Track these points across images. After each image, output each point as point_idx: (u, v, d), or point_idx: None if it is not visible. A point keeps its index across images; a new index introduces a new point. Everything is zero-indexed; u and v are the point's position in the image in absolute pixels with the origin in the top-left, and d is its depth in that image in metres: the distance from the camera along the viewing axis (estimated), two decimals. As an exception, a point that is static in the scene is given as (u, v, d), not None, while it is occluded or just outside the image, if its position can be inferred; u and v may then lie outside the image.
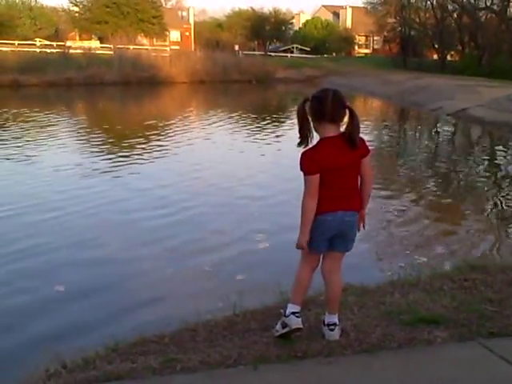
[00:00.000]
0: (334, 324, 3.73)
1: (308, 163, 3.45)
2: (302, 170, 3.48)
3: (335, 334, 3.72)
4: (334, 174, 3.49)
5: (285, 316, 3.67)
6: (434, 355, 3.59)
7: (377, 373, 3.39)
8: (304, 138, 3.49)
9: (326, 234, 3.59)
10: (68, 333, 5.16)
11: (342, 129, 3.52)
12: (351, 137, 3.48)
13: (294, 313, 3.65)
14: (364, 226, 3.77)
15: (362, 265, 6.79)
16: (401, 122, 25.63)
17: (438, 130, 22.53)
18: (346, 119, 3.52)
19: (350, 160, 3.53)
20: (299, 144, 3.52)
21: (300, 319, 3.65)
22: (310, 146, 3.51)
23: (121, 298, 5.96)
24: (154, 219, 8.67)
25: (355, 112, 3.50)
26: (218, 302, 5.07)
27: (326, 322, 3.76)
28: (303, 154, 3.49)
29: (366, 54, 70.17)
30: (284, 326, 3.67)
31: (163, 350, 3.71)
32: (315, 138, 3.52)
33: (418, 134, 21.46)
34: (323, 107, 3.43)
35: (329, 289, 3.77)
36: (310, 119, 3.49)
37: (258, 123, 21.65)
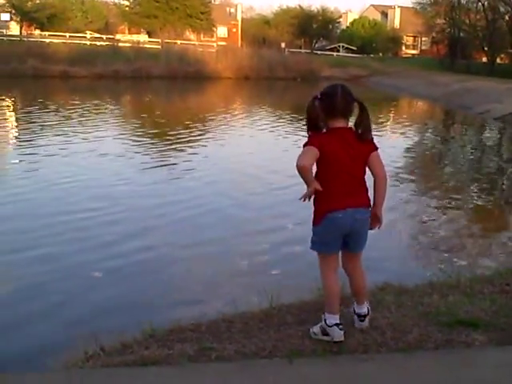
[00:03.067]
0: (364, 315, 3.75)
1: (314, 139, 3.46)
2: (304, 144, 3.48)
3: (364, 324, 3.77)
4: (339, 166, 3.47)
5: (326, 324, 3.61)
6: (471, 358, 3.55)
7: (412, 372, 3.37)
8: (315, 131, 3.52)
9: (336, 232, 3.53)
10: (106, 318, 5.26)
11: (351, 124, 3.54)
12: (361, 128, 3.49)
13: (337, 324, 3.59)
14: (379, 227, 3.72)
15: (400, 265, 6.77)
16: (446, 125, 25.23)
17: (485, 133, 22.11)
18: (355, 113, 3.54)
19: (357, 153, 3.50)
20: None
21: (343, 332, 3.59)
22: None
23: (159, 288, 6.03)
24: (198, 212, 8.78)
25: (365, 105, 3.52)
26: (255, 295, 5.09)
27: (356, 312, 3.78)
28: (314, 133, 3.51)
29: (413, 54, 69.24)
30: (324, 333, 3.63)
31: (199, 338, 3.76)
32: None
33: (463, 138, 21.08)
34: (334, 103, 3.45)
35: (353, 283, 3.76)
36: (320, 116, 3.49)
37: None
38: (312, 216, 3.60)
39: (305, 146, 3.47)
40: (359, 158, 3.52)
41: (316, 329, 3.68)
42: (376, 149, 3.59)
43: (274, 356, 3.45)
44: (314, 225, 3.59)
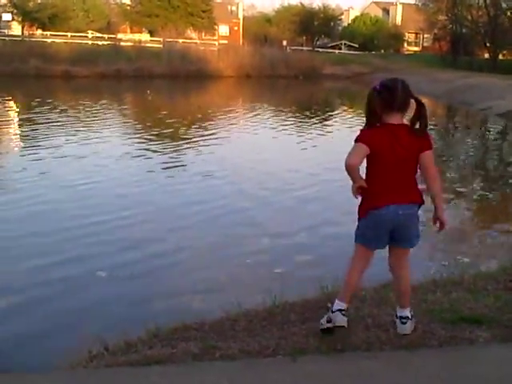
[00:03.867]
0: (406, 317, 3.71)
1: (360, 135, 3.48)
2: (355, 139, 3.49)
3: (407, 328, 3.71)
4: (386, 163, 3.46)
5: (332, 312, 3.67)
6: (475, 355, 3.55)
7: (416, 369, 3.37)
8: (371, 125, 3.51)
9: (378, 229, 3.55)
10: (110, 317, 5.27)
11: (405, 120, 3.54)
12: (419, 125, 3.49)
13: (340, 310, 3.64)
14: (442, 226, 3.72)
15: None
16: (448, 121, 25.19)
17: (487, 129, 22.06)
18: (410, 110, 3.54)
19: (407, 152, 3.47)
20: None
21: (346, 318, 3.65)
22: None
23: (163, 286, 6.04)
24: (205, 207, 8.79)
25: (422, 102, 3.54)
26: (259, 294, 5.09)
27: (398, 315, 3.75)
28: (364, 130, 3.52)
29: (415, 51, 69.05)
30: (329, 320, 3.66)
31: (203, 336, 3.76)
32: None
33: (465, 134, 21.04)
34: (394, 97, 3.45)
35: (397, 283, 3.77)
36: (378, 109, 3.48)
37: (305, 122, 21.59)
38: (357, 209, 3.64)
39: (356, 141, 3.48)
40: (409, 156, 3.50)
41: (323, 319, 3.71)
42: (429, 148, 3.55)
43: (278, 354, 3.46)
44: (358, 218, 3.64)
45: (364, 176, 3.55)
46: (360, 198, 3.60)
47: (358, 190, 3.53)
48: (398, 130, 3.47)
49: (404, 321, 3.71)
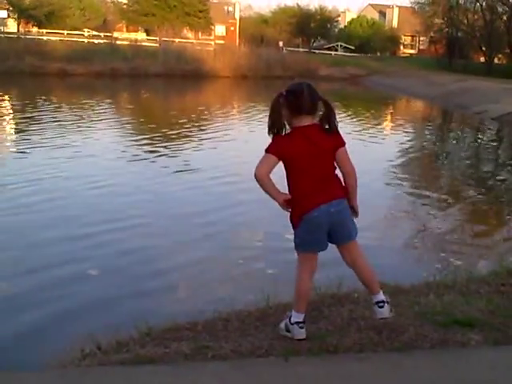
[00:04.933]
0: (382, 301, 3.69)
1: (272, 145, 3.47)
2: (265, 149, 3.47)
3: (385, 311, 3.69)
4: (305, 164, 3.46)
5: (290, 322, 3.66)
6: (467, 357, 3.56)
7: (408, 371, 3.38)
8: (278, 131, 3.49)
9: (315, 232, 3.54)
10: (102, 316, 5.26)
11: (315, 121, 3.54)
12: (327, 122, 3.49)
13: (298, 323, 3.63)
14: (355, 214, 3.70)
15: (397, 264, 6.77)
16: (443, 125, 25.26)
17: (482, 133, 22.13)
18: (320, 111, 3.53)
19: (321, 150, 3.49)
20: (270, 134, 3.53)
21: (303, 330, 3.63)
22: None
23: (155, 286, 6.04)
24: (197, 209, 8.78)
25: (330, 102, 3.52)
26: (252, 294, 5.09)
27: (374, 302, 3.73)
28: (275, 137, 3.49)
29: (411, 54, 69.25)
30: (287, 330, 3.68)
31: (196, 336, 3.76)
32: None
33: (460, 137, 21.12)
34: (301, 101, 3.43)
35: (360, 275, 3.74)
36: (283, 114, 3.46)
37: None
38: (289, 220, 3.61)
39: (265, 151, 3.46)
40: (324, 153, 3.51)
41: (282, 324, 3.73)
42: (343, 144, 3.57)
43: (270, 355, 3.46)
44: (293, 227, 3.60)
45: (286, 185, 3.56)
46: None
47: (284, 203, 3.52)
48: (309, 130, 3.47)
49: (381, 304, 3.69)
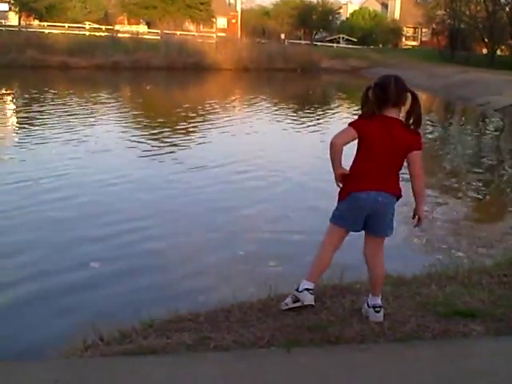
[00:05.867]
0: (380, 306, 3.78)
1: (356, 122, 3.61)
2: (349, 123, 3.64)
3: (380, 316, 3.78)
4: (375, 150, 3.57)
5: (297, 291, 3.78)
6: (468, 348, 3.57)
7: (410, 362, 3.39)
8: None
9: (357, 211, 3.65)
10: (105, 308, 5.28)
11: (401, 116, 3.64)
12: (413, 118, 3.59)
13: (308, 289, 3.76)
14: (419, 223, 3.83)
15: (399, 255, 6.73)
16: (446, 116, 25.21)
17: (484, 124, 22.08)
18: (407, 104, 3.64)
19: (396, 144, 3.56)
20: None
21: (313, 297, 3.78)
22: None
23: (158, 277, 6.05)
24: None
25: (417, 96, 3.64)
26: (254, 286, 5.10)
27: (370, 304, 3.80)
28: (359, 116, 3.66)
29: (413, 46, 68.98)
30: (295, 300, 3.78)
31: (198, 327, 3.76)
32: None
33: (462, 129, 21.05)
34: (386, 93, 3.55)
35: (372, 272, 3.82)
36: (372, 106, 3.60)
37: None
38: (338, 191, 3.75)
39: (348, 125, 3.62)
40: (398, 148, 3.59)
41: (288, 300, 3.83)
42: (419, 148, 3.64)
43: (272, 345, 3.47)
44: (338, 200, 3.74)
45: (352, 160, 3.69)
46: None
47: (339, 177, 3.67)
48: (392, 122, 3.58)
49: (378, 309, 3.79)
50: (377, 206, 3.62)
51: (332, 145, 3.56)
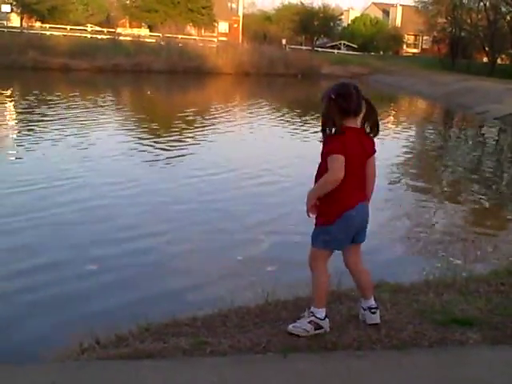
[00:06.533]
0: (376, 307, 3.79)
1: (337, 144, 3.50)
2: (327, 150, 3.52)
3: (377, 317, 3.78)
4: (354, 164, 3.54)
5: (318, 318, 3.67)
6: (465, 356, 3.56)
7: (406, 369, 3.38)
8: (330, 133, 3.57)
9: (350, 229, 3.62)
10: (102, 311, 5.27)
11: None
12: (371, 127, 3.61)
13: (326, 316, 3.72)
14: None
15: (397, 263, 6.78)
16: (445, 124, 25.22)
17: (484, 133, 22.10)
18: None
19: (366, 152, 3.63)
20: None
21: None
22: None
23: (154, 282, 6.04)
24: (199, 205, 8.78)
25: (373, 104, 3.62)
26: (251, 291, 5.09)
27: (365, 307, 3.80)
28: (332, 138, 3.55)
29: (414, 53, 69.17)
30: (318, 327, 3.67)
31: (195, 332, 3.77)
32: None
33: (462, 137, 21.08)
34: (350, 104, 3.51)
35: (360, 279, 3.81)
36: (333, 116, 3.52)
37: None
38: (316, 217, 3.65)
39: (332, 152, 3.48)
40: (367, 157, 3.66)
41: (308, 326, 3.66)
42: (375, 152, 3.72)
43: (269, 351, 3.47)
44: (325, 224, 3.60)
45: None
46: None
47: (312, 208, 3.61)
48: (360, 131, 3.59)
49: (374, 310, 3.79)
50: (366, 216, 3.68)
51: (336, 181, 3.45)
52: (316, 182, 3.65)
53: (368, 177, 3.70)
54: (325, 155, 3.54)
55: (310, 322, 3.68)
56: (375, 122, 3.62)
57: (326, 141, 3.58)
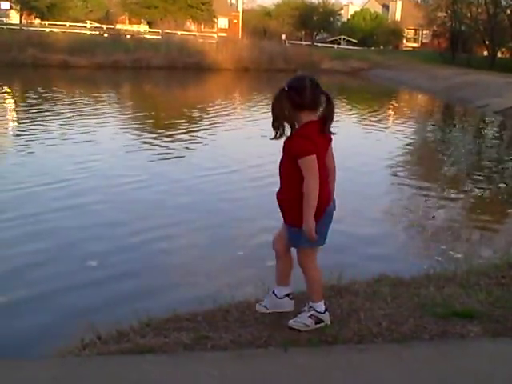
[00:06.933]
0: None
1: (307, 144, 3.36)
2: (297, 153, 3.37)
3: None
4: (322, 158, 3.47)
5: (318, 312, 3.67)
6: (466, 349, 3.57)
7: (407, 362, 3.39)
8: (282, 128, 3.43)
9: (330, 223, 3.61)
10: (103, 307, 5.27)
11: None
12: (328, 121, 3.47)
13: (326, 309, 3.72)
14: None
15: (398, 257, 6.78)
16: (446, 118, 25.20)
17: (484, 127, 22.08)
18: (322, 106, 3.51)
19: (329, 145, 3.58)
20: (278, 137, 3.44)
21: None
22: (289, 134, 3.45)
23: (155, 277, 6.04)
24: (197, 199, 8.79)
25: (331, 97, 3.48)
26: (251, 286, 5.09)
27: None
28: (296, 137, 3.41)
29: (414, 47, 69.10)
30: (319, 321, 3.67)
31: (195, 327, 3.77)
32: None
33: (462, 131, 21.06)
34: (304, 96, 3.38)
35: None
36: (285, 109, 3.39)
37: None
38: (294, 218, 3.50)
39: (304, 154, 3.35)
40: (329, 149, 3.60)
41: (307, 321, 3.66)
42: (331, 139, 3.61)
43: (270, 345, 3.47)
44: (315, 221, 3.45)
45: (287, 183, 3.55)
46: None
47: (313, 234, 3.42)
48: (318, 125, 3.47)
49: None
50: (334, 210, 3.66)
51: (314, 191, 3.33)
52: (281, 179, 3.55)
53: (330, 170, 3.60)
54: (293, 156, 3.39)
55: (310, 317, 3.68)
56: (332, 117, 3.47)
57: (294, 140, 3.42)
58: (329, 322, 3.70)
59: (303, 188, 3.37)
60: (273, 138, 3.47)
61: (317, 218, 3.43)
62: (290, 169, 3.44)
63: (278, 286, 3.85)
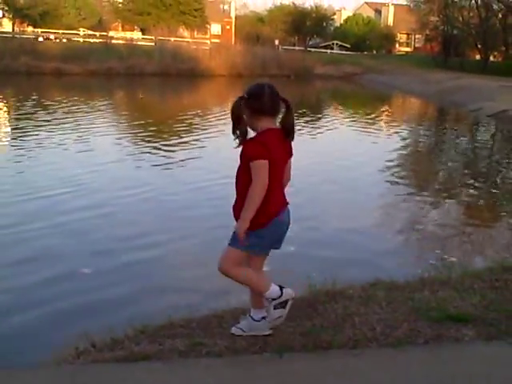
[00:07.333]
0: (264, 318, 3.66)
1: (259, 148, 3.33)
2: (249, 156, 3.33)
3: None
4: (278, 166, 3.42)
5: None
6: (460, 352, 3.57)
7: (402, 366, 3.40)
8: (242, 135, 3.39)
9: (277, 235, 3.50)
10: (97, 314, 5.26)
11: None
12: (288, 129, 3.46)
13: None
14: None
15: (392, 261, 6.79)
16: (438, 122, 25.27)
17: (477, 130, 22.16)
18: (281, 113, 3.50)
19: (286, 156, 3.53)
20: (240, 144, 3.40)
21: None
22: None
23: (149, 283, 6.03)
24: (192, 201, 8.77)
25: (291, 105, 3.47)
26: (246, 292, 5.08)
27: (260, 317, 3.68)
28: (250, 141, 3.39)
29: (406, 52, 69.25)
30: (283, 304, 3.55)
31: (190, 334, 3.77)
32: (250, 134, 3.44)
33: (455, 135, 21.12)
34: (262, 103, 3.39)
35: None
36: (244, 116, 3.39)
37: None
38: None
39: (254, 158, 3.31)
40: (287, 159, 3.55)
41: (274, 313, 3.56)
42: (292, 154, 3.58)
43: (265, 351, 3.47)
44: (256, 228, 3.36)
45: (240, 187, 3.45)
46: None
47: (242, 235, 3.34)
48: (278, 132, 3.45)
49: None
50: (289, 222, 3.55)
51: (264, 189, 3.29)
52: (237, 189, 3.48)
53: (284, 181, 3.56)
54: (246, 160, 3.35)
55: (275, 308, 3.54)
56: (291, 125, 3.46)
57: (247, 144, 3.37)
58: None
59: (248, 190, 3.33)
60: (237, 146, 3.43)
61: (260, 226, 3.38)
62: (244, 176, 3.38)
63: (254, 309, 3.71)
